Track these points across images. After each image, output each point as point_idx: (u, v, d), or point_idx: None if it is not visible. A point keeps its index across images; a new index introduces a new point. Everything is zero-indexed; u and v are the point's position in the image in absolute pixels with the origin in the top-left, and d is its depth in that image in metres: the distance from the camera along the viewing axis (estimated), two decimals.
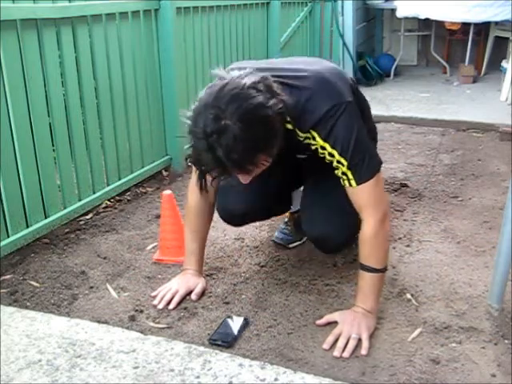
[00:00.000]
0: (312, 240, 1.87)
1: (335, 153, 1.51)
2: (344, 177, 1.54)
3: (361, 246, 1.60)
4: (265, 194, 1.82)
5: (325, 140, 1.51)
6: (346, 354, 1.49)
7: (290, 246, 2.14)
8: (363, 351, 1.50)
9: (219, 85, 1.34)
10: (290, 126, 1.51)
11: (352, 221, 1.60)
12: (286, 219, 2.18)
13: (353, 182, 1.53)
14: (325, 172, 1.58)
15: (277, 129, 1.37)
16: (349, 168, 1.51)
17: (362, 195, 1.55)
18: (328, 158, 1.53)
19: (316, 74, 1.53)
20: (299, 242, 2.15)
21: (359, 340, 1.53)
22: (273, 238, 2.18)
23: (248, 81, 1.33)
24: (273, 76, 1.44)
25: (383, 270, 1.61)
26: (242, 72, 1.38)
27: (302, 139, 1.56)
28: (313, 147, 1.55)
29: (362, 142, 1.53)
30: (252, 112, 1.30)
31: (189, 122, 1.35)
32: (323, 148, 1.52)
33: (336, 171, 1.54)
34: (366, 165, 1.52)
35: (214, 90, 1.33)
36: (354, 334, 1.54)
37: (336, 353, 1.50)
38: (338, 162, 1.51)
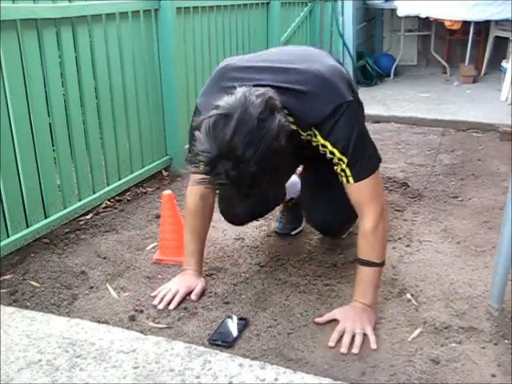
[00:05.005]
0: (314, 226, 2.09)
1: (336, 151, 1.54)
2: (342, 173, 1.57)
3: (361, 240, 1.62)
4: None
5: (325, 139, 1.54)
6: (355, 350, 1.49)
7: (293, 233, 2.23)
8: (373, 345, 1.50)
9: (228, 129, 1.28)
10: (293, 127, 1.53)
11: (349, 209, 1.64)
12: (281, 209, 2.25)
13: (351, 179, 1.56)
14: (325, 163, 1.61)
15: (287, 149, 1.39)
16: (348, 165, 1.55)
17: (360, 192, 1.58)
18: (329, 155, 1.56)
19: (316, 73, 1.53)
20: (300, 228, 2.26)
21: (364, 335, 1.54)
22: (275, 230, 2.25)
23: (254, 112, 1.30)
24: (273, 82, 1.48)
25: (382, 264, 1.64)
26: (241, 94, 1.34)
27: (303, 137, 1.59)
28: (314, 143, 1.58)
29: (363, 141, 1.57)
30: (267, 153, 1.30)
31: (205, 166, 1.33)
32: (324, 146, 1.56)
33: (336, 167, 1.57)
34: (366, 163, 1.56)
35: (225, 137, 1.28)
36: (358, 329, 1.54)
37: (343, 349, 1.49)
38: (339, 159, 1.55)
